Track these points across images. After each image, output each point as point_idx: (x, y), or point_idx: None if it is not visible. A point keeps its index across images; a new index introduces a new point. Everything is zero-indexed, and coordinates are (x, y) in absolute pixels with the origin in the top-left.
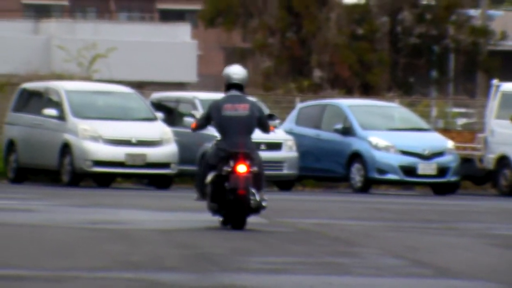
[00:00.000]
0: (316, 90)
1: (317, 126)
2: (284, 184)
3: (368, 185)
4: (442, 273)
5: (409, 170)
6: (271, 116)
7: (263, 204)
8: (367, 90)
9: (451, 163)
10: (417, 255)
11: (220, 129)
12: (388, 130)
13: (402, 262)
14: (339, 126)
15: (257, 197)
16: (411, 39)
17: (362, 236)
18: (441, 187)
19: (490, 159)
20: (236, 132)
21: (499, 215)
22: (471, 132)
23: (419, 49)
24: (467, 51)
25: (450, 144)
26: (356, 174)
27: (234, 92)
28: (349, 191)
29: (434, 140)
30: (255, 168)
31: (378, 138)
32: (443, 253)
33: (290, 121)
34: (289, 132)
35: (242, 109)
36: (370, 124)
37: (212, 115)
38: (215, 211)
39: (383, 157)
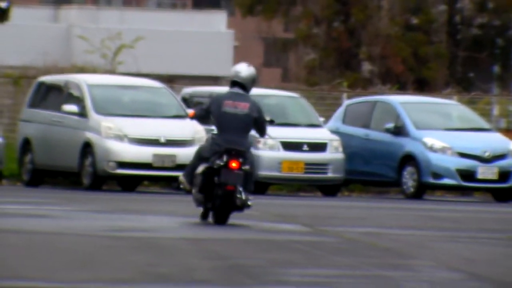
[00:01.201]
0: (365, 85)
1: (366, 125)
2: (329, 188)
3: (422, 191)
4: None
5: (467, 174)
6: (271, 122)
7: (249, 203)
8: (422, 86)
9: None
10: (475, 268)
11: (218, 124)
12: (445, 130)
13: (458, 276)
14: (390, 125)
15: (243, 196)
16: (472, 30)
17: (414, 247)
18: (503, 193)
19: None
20: (233, 129)
21: None
22: None
23: (480, 41)
24: None
25: None
26: (409, 179)
27: (236, 90)
28: (401, 197)
29: (495, 142)
30: (246, 167)
31: (433, 139)
32: (503, 266)
33: (336, 120)
34: (335, 132)
35: (241, 107)
36: (425, 124)
37: (212, 109)
38: (199, 202)
39: (438, 160)
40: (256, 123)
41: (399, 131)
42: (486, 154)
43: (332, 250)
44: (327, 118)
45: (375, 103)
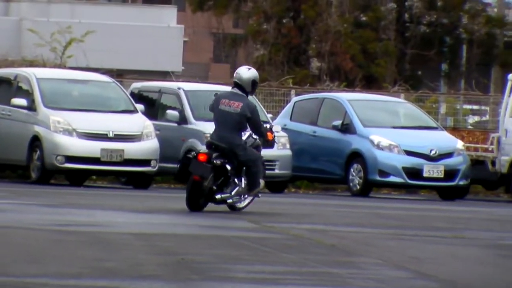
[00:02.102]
0: (313, 82)
1: (314, 122)
2: (276, 185)
3: (368, 188)
4: (449, 286)
5: (413, 173)
6: (271, 129)
7: (239, 205)
8: (370, 83)
9: (460, 165)
10: (421, 266)
11: (214, 120)
12: (392, 128)
13: (404, 274)
14: (337, 122)
15: (229, 194)
16: (420, 28)
17: (361, 244)
18: (448, 192)
19: (503, 162)
20: (224, 126)
21: (495, 223)
22: (484, 132)
23: (429, 39)
24: (481, 42)
25: (459, 144)
26: (355, 176)
27: (235, 90)
28: (347, 194)
29: (442, 140)
30: (217, 161)
31: (380, 137)
32: (449, 265)
33: (284, 116)
34: (283, 128)
35: (235, 107)
36: (372, 121)
37: (214, 106)
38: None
39: (385, 158)
40: (250, 123)
41: (347, 128)
42: (433, 153)
43: (279, 246)
44: (275, 114)
45: (323, 100)
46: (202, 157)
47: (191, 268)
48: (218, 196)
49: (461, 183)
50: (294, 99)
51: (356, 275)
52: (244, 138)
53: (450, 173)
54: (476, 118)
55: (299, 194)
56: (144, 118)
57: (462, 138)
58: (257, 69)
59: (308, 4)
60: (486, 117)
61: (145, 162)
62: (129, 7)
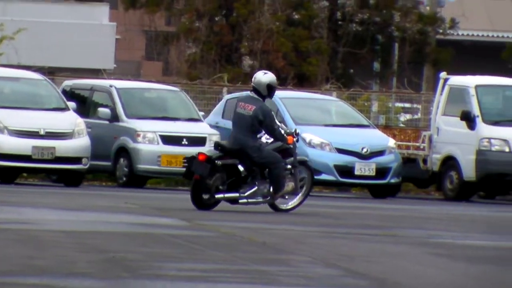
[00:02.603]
0: (246, 80)
1: None
2: None
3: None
4: (379, 284)
5: (345, 170)
6: (292, 133)
7: (282, 206)
8: (302, 82)
9: (392, 163)
10: (352, 264)
11: (232, 122)
12: (324, 126)
13: (335, 272)
14: None
15: (225, 194)
16: (353, 26)
17: (292, 242)
18: (380, 190)
19: (435, 160)
20: (239, 128)
21: (443, 222)
22: (415, 130)
23: (361, 37)
24: (413, 40)
25: (391, 142)
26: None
27: (252, 94)
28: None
29: (374, 138)
30: (218, 162)
31: (312, 135)
32: (380, 262)
33: (216, 114)
34: (215, 126)
35: (248, 109)
36: (304, 119)
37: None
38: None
39: (317, 156)
40: (262, 126)
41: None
42: (364, 151)
43: (210, 244)
44: (208, 112)
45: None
46: (201, 157)
47: (122, 266)
48: (218, 196)
49: (393, 181)
50: (226, 97)
51: (286, 273)
52: (266, 140)
53: (382, 171)
54: (408, 116)
55: None
56: (75, 115)
57: (393, 136)
58: (189, 67)
59: (241, 2)
60: (418, 115)
61: (76, 160)
62: (61, 5)
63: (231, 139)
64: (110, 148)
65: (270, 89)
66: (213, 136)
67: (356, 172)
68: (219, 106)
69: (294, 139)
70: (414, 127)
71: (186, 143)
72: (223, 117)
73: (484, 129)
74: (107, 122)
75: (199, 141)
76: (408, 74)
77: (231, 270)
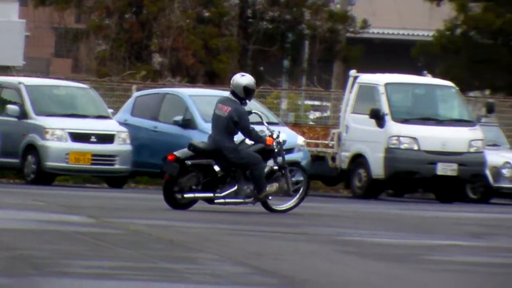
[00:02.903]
0: (155, 77)
1: (155, 117)
2: (116, 180)
3: None
4: (288, 282)
5: None
6: (272, 135)
7: (276, 207)
8: (212, 79)
9: (301, 160)
10: (261, 262)
11: (211, 124)
12: None
13: (243, 270)
14: (178, 118)
15: (195, 194)
16: (263, 24)
17: (200, 240)
18: None
19: (343, 158)
20: (216, 128)
21: (352, 219)
22: (324, 128)
23: (271, 35)
24: (323, 38)
25: (300, 140)
26: None
27: (230, 96)
28: None
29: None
30: (188, 162)
31: None
32: (289, 260)
33: (125, 111)
34: (123, 123)
35: (224, 111)
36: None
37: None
38: None
39: None
40: (238, 128)
41: (188, 123)
42: None
43: (117, 242)
44: (117, 109)
45: (164, 95)
46: (170, 157)
47: (30, 263)
48: (187, 195)
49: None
50: (135, 94)
51: (194, 271)
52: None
53: None
54: (317, 114)
55: (138, 189)
56: None
57: (303, 134)
58: (98, 64)
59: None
60: (327, 113)
61: None
62: None
63: (209, 139)
64: (19, 145)
65: (247, 92)
66: (122, 134)
67: None
68: (128, 103)
69: (280, 140)
70: (323, 125)
71: (95, 140)
72: (132, 114)
73: (393, 127)
74: (15, 119)
75: (108, 138)
76: (318, 72)
77: (139, 267)
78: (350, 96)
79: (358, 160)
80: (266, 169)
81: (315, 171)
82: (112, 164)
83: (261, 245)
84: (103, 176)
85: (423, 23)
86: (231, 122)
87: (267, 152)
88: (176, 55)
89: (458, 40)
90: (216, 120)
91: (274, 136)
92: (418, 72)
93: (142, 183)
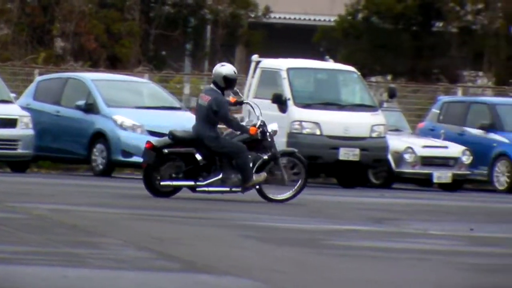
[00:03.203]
0: (57, 62)
1: (57, 102)
2: (18, 165)
3: (111, 168)
4: (189, 266)
5: None
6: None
7: (277, 196)
8: (114, 64)
9: None
10: (163, 247)
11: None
12: (136, 108)
13: (146, 254)
14: (81, 102)
15: (173, 182)
16: (165, 8)
17: (103, 224)
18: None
19: None
20: (197, 118)
21: (255, 204)
22: None
23: (174, 19)
24: (226, 23)
25: None
26: (99, 156)
27: (211, 86)
28: (90, 175)
29: (185, 120)
30: (166, 150)
31: (123, 117)
32: (192, 245)
33: (27, 96)
34: (26, 108)
35: (205, 100)
36: (116, 101)
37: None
38: None
39: (128, 138)
40: (217, 117)
41: (91, 108)
42: None
43: (20, 226)
44: (20, 94)
45: (66, 80)
46: (147, 145)
47: None
48: (163, 183)
49: None
50: (38, 78)
51: (97, 255)
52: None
53: None
54: None
55: (41, 174)
56: None
57: None
58: (0, 49)
59: None
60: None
61: None
62: None
63: (193, 129)
64: None
65: (227, 81)
66: (24, 118)
67: None
68: (31, 88)
69: (271, 131)
70: None
71: None
72: (34, 99)
73: (295, 112)
74: None
75: (10, 123)
76: (221, 56)
77: (42, 252)
78: (252, 81)
79: None
80: (260, 161)
81: None
82: (15, 149)
83: (163, 230)
84: (6, 161)
85: (325, 9)
86: (211, 111)
87: (254, 142)
88: (79, 39)
89: (360, 25)
90: (198, 110)
91: (267, 128)
92: (321, 57)
93: (44, 168)
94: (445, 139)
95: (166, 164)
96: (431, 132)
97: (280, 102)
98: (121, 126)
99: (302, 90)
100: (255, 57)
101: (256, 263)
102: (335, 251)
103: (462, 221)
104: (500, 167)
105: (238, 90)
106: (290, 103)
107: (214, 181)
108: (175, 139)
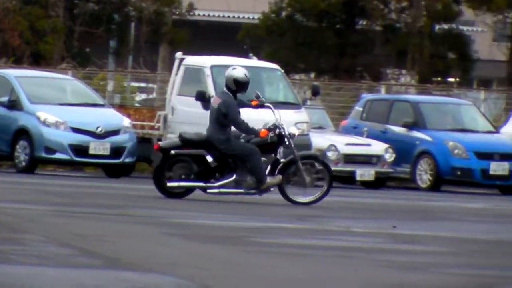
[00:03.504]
0: None
1: None
2: None
3: (34, 165)
4: (112, 263)
5: (80, 150)
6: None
7: (299, 199)
8: (38, 60)
9: (127, 143)
10: (86, 244)
11: None
12: (59, 105)
13: (68, 251)
14: (4, 99)
15: (180, 183)
16: (90, 5)
17: (25, 221)
18: (114, 169)
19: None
20: (210, 120)
21: (178, 202)
22: (151, 110)
23: (98, 16)
24: (150, 20)
25: (126, 122)
26: (21, 153)
27: (225, 89)
28: (13, 171)
29: (109, 117)
30: (172, 152)
31: (47, 114)
32: (115, 242)
33: None
34: None
35: (216, 103)
36: (40, 98)
37: None
38: None
39: (52, 135)
40: (227, 120)
41: (14, 105)
42: (99, 130)
43: None
44: None
45: None
46: (155, 147)
47: None
48: (170, 184)
49: (127, 160)
50: None
51: (19, 252)
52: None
53: (117, 151)
54: (144, 96)
55: None
56: None
57: (129, 116)
58: None
59: None
60: (154, 95)
61: None
62: None
63: (206, 131)
64: None
65: (238, 84)
66: None
67: (91, 152)
68: None
69: (288, 134)
70: (150, 107)
71: None
72: None
73: None
74: None
75: None
76: (145, 54)
77: None
78: (176, 78)
79: None
80: (280, 164)
81: (141, 153)
82: None
83: (86, 226)
84: None
85: (248, 6)
86: (220, 113)
87: (270, 145)
88: (2, 36)
89: (284, 23)
90: (210, 112)
91: (288, 130)
92: (245, 55)
93: None
94: (368, 137)
95: (176, 166)
96: (354, 130)
97: (203, 99)
98: (44, 123)
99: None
100: (178, 55)
101: (180, 260)
102: (259, 248)
103: (385, 219)
104: (423, 165)
105: (259, 93)
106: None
107: (227, 183)
108: (184, 141)
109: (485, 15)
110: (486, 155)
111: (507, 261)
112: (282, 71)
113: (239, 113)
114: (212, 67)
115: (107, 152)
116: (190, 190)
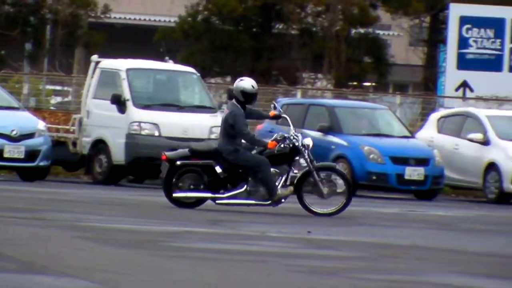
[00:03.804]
0: None
1: None
2: None
3: None
4: (26, 267)
5: None
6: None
7: (319, 210)
8: None
9: (42, 146)
10: None
11: None
12: None
13: None
14: None
15: (186, 194)
16: (5, 8)
17: None
18: (29, 172)
19: (84, 143)
20: (220, 132)
21: (92, 205)
22: (66, 113)
23: (13, 18)
24: (66, 23)
25: (41, 125)
26: None
27: (233, 100)
28: None
29: (23, 120)
30: (178, 162)
31: None
32: (28, 246)
33: None
34: None
35: (224, 114)
36: None
37: None
38: None
39: None
40: (234, 131)
41: None
42: (14, 133)
43: None
44: None
45: None
46: (162, 157)
47: None
48: (175, 194)
49: (42, 164)
50: None
51: None
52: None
53: (31, 154)
54: (59, 99)
55: None
56: None
57: (44, 119)
58: None
59: None
60: (69, 98)
61: None
62: None
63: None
64: None
65: (245, 95)
66: None
67: (5, 155)
68: None
69: (303, 144)
70: (65, 110)
71: None
72: None
73: (134, 113)
74: None
75: None
76: (60, 56)
77: None
78: (92, 81)
79: (99, 145)
80: (298, 175)
81: (56, 157)
82: None
83: None
84: None
85: (165, 9)
86: (227, 124)
87: (282, 156)
88: None
89: (200, 26)
90: (221, 123)
91: (303, 141)
92: (161, 58)
93: None
94: None
95: (185, 176)
96: (270, 134)
97: (119, 103)
98: None
99: (141, 91)
100: (94, 57)
101: (93, 264)
102: (171, 252)
103: (299, 224)
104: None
105: (276, 104)
106: (129, 104)
107: (238, 194)
108: (192, 152)
109: (401, 19)
110: (402, 160)
111: (418, 266)
112: (198, 74)
113: (246, 124)
114: (127, 70)
115: (21, 156)
116: (201, 201)
